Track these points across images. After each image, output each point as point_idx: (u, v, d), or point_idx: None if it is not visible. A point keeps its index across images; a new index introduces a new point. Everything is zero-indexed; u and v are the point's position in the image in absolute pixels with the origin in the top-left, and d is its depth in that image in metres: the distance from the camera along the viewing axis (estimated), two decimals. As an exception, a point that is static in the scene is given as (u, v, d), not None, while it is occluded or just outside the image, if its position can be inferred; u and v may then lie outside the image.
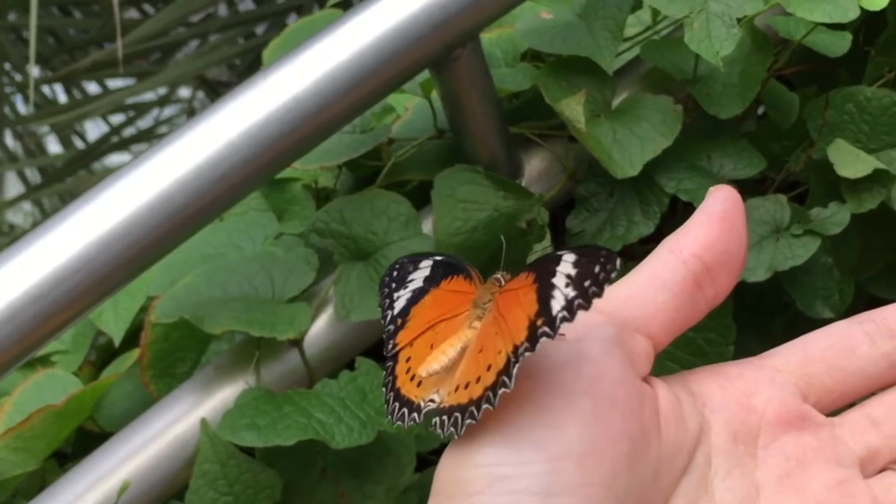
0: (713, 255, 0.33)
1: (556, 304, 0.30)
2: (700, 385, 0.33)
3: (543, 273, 0.31)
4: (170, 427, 0.54)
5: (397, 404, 0.31)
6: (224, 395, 0.54)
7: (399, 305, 0.34)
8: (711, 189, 0.34)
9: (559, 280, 0.30)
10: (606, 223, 0.59)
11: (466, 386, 0.30)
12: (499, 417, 0.30)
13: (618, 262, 0.30)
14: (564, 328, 0.31)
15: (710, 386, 0.33)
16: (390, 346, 0.33)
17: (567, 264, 0.31)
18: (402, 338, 0.33)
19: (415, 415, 0.31)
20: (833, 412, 0.34)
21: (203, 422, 0.53)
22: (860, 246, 0.61)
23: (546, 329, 0.30)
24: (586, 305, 0.30)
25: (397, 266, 0.35)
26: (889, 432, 0.34)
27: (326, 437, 0.51)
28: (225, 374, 0.55)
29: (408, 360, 0.32)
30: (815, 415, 0.34)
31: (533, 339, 0.30)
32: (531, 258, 0.57)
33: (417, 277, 0.34)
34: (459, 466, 0.30)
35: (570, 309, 0.30)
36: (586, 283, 0.30)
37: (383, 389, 0.32)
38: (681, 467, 0.32)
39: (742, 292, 0.58)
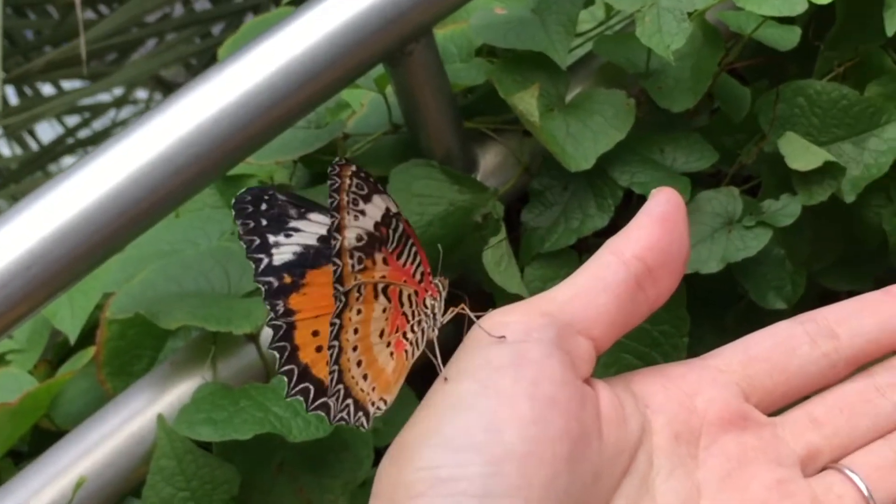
0: (655, 257, 0.33)
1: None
2: (642, 386, 0.34)
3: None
4: (126, 423, 0.54)
5: (311, 388, 0.30)
6: (180, 391, 0.55)
7: (282, 257, 0.31)
8: (654, 191, 0.34)
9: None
10: (561, 216, 0.59)
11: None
12: (439, 420, 0.30)
13: (343, 162, 0.28)
14: (505, 330, 0.31)
15: (652, 387, 0.34)
16: (280, 308, 0.31)
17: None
18: (299, 304, 0.30)
19: (360, 417, 0.30)
20: (775, 412, 0.35)
21: (160, 417, 0.53)
22: (812, 238, 0.62)
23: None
24: (337, 216, 0.28)
25: (266, 197, 0.31)
26: (830, 432, 0.34)
27: (283, 431, 0.52)
28: (181, 369, 0.55)
29: (316, 335, 0.30)
30: (756, 415, 0.34)
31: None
32: (487, 252, 0.58)
33: (306, 230, 0.31)
34: (400, 469, 0.30)
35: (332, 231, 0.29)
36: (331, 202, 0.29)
37: (275, 353, 0.30)
38: (622, 468, 0.32)
39: (696, 284, 0.59)
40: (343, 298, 0.29)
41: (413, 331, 0.32)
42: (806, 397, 0.35)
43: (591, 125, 0.58)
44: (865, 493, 0.33)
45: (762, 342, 0.35)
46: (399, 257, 0.31)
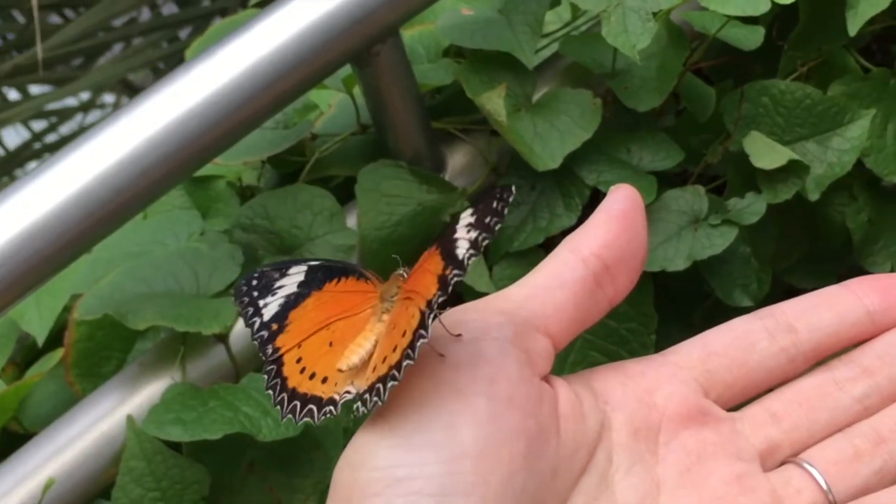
0: (612, 254, 0.33)
1: (461, 249, 0.31)
2: (601, 383, 0.34)
3: (445, 236, 0.32)
4: (95, 424, 0.54)
5: (298, 403, 0.32)
6: (150, 392, 0.55)
7: (270, 312, 0.34)
8: (612, 188, 0.34)
9: (461, 232, 0.31)
10: (529, 216, 0.60)
11: (384, 360, 0.31)
12: (395, 419, 0.30)
13: (513, 189, 0.31)
14: (462, 329, 0.32)
15: (611, 383, 0.34)
16: (270, 351, 0.33)
17: (466, 217, 0.32)
18: (284, 342, 0.33)
19: (330, 408, 0.31)
20: (735, 407, 0.35)
21: (129, 418, 0.53)
22: (777, 236, 0.63)
23: (457, 272, 0.30)
24: (490, 236, 0.31)
25: (256, 276, 0.35)
26: (788, 426, 0.34)
27: (253, 431, 0.52)
28: (150, 370, 0.55)
29: (299, 361, 0.33)
30: (715, 410, 0.34)
31: (444, 286, 0.30)
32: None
33: (288, 284, 0.34)
34: (357, 469, 0.30)
35: (476, 245, 0.31)
36: (487, 220, 0.31)
37: (269, 392, 0.33)
38: (581, 465, 0.32)
39: (663, 282, 0.60)
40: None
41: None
42: (765, 392, 0.35)
43: (558, 125, 0.58)
44: (824, 486, 0.33)
45: (721, 338, 0.35)
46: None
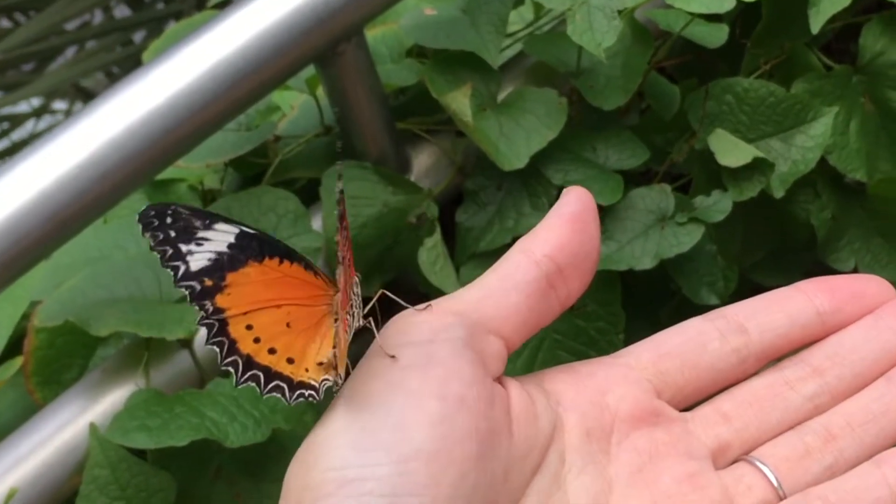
0: (565, 256, 0.34)
1: None
2: (554, 384, 0.34)
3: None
4: (57, 433, 0.53)
5: (259, 374, 0.32)
6: (113, 399, 0.54)
7: (198, 263, 0.33)
8: (564, 190, 0.35)
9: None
10: (496, 216, 0.60)
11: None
12: (347, 421, 0.30)
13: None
14: (414, 330, 0.32)
15: (563, 385, 0.34)
16: (209, 307, 0.32)
17: None
18: (228, 303, 0.32)
19: (310, 392, 0.31)
20: (688, 407, 0.35)
21: (92, 426, 0.53)
22: (742, 234, 0.63)
23: None
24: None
25: (169, 212, 0.33)
26: (739, 426, 0.34)
27: (220, 437, 0.51)
28: (113, 377, 0.55)
29: (250, 329, 0.32)
30: (668, 410, 0.35)
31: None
32: (422, 252, 0.58)
33: (214, 239, 0.33)
34: (308, 469, 0.30)
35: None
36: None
37: (215, 348, 0.32)
38: (533, 465, 0.32)
39: (630, 281, 0.60)
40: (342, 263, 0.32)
41: (350, 313, 0.33)
42: (717, 392, 0.35)
43: (524, 124, 0.58)
44: (774, 483, 0.33)
45: (673, 339, 0.35)
46: (344, 228, 0.33)
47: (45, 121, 1.30)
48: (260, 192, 0.58)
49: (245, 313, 0.32)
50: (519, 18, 0.64)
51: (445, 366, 0.31)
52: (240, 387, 0.31)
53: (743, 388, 0.35)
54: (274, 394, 0.31)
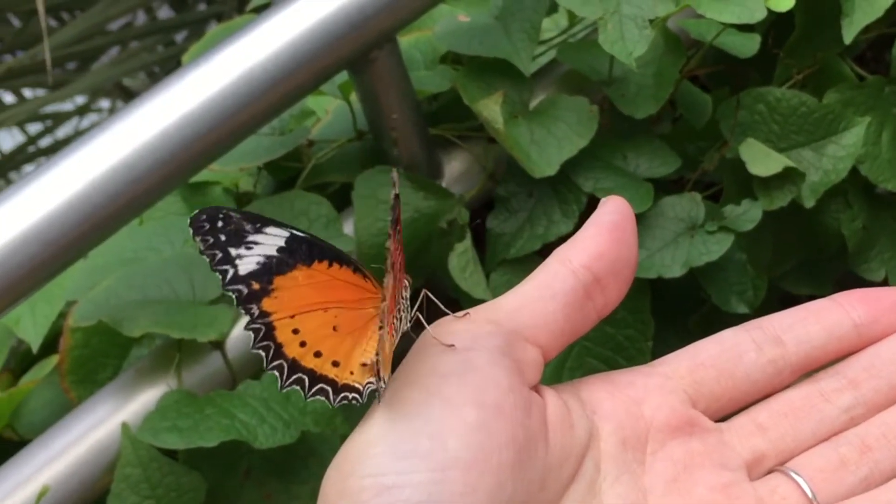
0: (603, 266, 0.33)
1: None
2: (590, 393, 0.33)
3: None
4: (90, 432, 0.53)
5: (304, 377, 0.31)
6: (145, 399, 0.54)
7: (246, 267, 0.32)
8: (603, 200, 0.34)
9: None
10: (526, 223, 0.59)
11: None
12: (384, 428, 0.30)
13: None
14: (452, 338, 0.31)
15: (599, 394, 0.33)
16: (256, 311, 0.32)
17: None
18: (274, 307, 0.32)
19: (353, 395, 0.31)
20: (722, 418, 0.35)
21: (124, 425, 0.52)
22: (772, 243, 0.62)
23: None
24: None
25: (221, 216, 0.33)
26: (775, 436, 0.34)
27: (249, 438, 0.51)
28: (145, 377, 0.54)
29: (296, 333, 0.32)
30: (703, 420, 0.34)
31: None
32: (453, 258, 0.57)
33: (264, 243, 0.33)
34: (345, 477, 0.30)
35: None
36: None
37: (261, 352, 0.31)
38: (569, 474, 0.32)
39: (660, 289, 0.59)
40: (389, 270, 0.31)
41: (396, 317, 0.32)
42: (752, 403, 0.35)
43: (555, 132, 0.57)
44: (809, 494, 0.33)
45: (709, 349, 0.35)
46: (396, 233, 0.32)
47: (89, 119, 1.31)
48: (293, 196, 0.57)
49: (292, 317, 0.32)
50: (552, 26, 0.64)
51: (483, 374, 0.31)
52: (284, 390, 0.31)
53: (779, 399, 0.35)
54: (318, 397, 0.31)
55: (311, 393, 0.31)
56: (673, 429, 0.33)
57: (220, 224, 0.32)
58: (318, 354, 0.31)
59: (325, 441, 0.54)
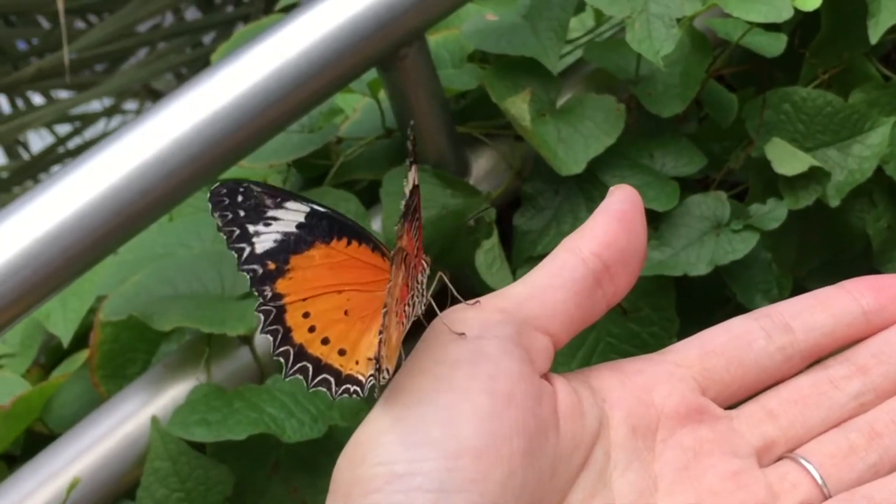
0: (612, 254, 0.33)
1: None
2: (600, 381, 0.33)
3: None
4: (120, 425, 0.53)
5: (309, 366, 0.30)
6: (174, 393, 0.54)
7: (263, 245, 0.31)
8: (612, 189, 0.34)
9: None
10: (553, 220, 0.59)
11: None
12: (395, 416, 0.30)
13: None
14: (462, 327, 0.31)
15: (609, 382, 0.33)
16: (268, 293, 0.30)
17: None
18: (288, 289, 0.31)
19: (355, 388, 0.30)
20: (732, 405, 0.34)
21: (153, 419, 0.52)
22: (798, 242, 0.62)
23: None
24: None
25: (241, 190, 0.31)
26: (785, 423, 0.34)
27: (278, 432, 0.51)
28: (175, 371, 0.54)
29: (306, 317, 0.30)
30: (713, 408, 0.34)
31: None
32: (479, 255, 0.57)
33: (284, 219, 0.31)
34: (356, 465, 0.29)
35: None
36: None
37: (269, 337, 0.30)
38: (579, 462, 0.32)
39: (685, 286, 0.59)
40: (394, 265, 0.29)
41: (408, 304, 0.31)
42: (762, 390, 0.35)
43: (582, 130, 0.57)
44: (819, 480, 0.33)
45: (718, 337, 0.34)
46: (411, 226, 0.30)
47: (116, 120, 1.31)
48: (321, 193, 0.57)
49: (304, 299, 0.30)
50: (579, 25, 0.63)
51: (494, 362, 0.31)
52: (287, 379, 0.30)
53: (788, 386, 0.34)
54: (321, 388, 0.30)
55: (313, 383, 0.30)
56: (683, 416, 0.33)
57: (239, 198, 0.31)
58: (325, 341, 0.30)
59: (352, 434, 0.54)
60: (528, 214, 0.59)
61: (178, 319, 0.53)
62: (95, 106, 1.25)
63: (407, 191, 0.29)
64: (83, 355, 0.58)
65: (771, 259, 0.60)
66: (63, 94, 1.23)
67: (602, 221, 0.33)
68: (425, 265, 0.32)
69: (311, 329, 0.30)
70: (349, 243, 0.31)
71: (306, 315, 0.30)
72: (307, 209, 0.31)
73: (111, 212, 0.49)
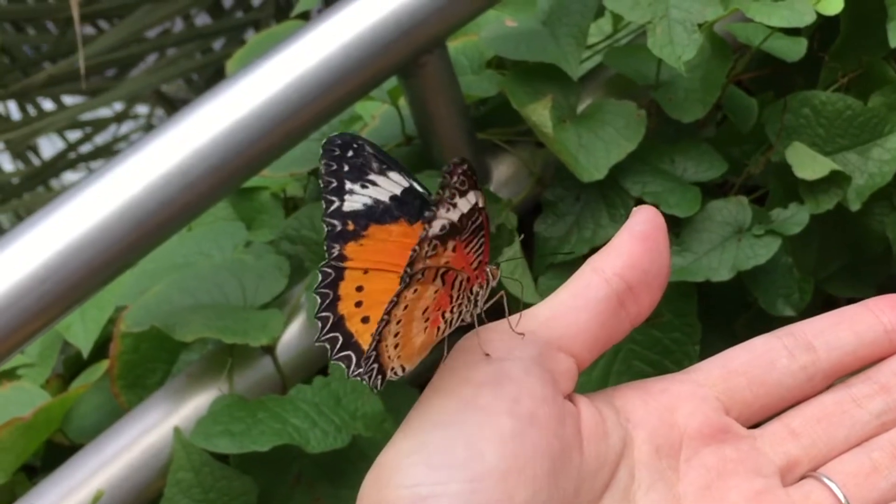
0: (636, 275, 0.33)
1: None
2: (623, 401, 0.33)
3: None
4: (142, 436, 0.52)
5: (340, 337, 0.29)
6: (197, 403, 0.53)
7: (352, 205, 0.31)
8: (635, 209, 0.34)
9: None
10: (574, 227, 0.58)
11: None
12: (419, 438, 0.29)
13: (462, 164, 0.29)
14: (486, 348, 0.30)
15: (633, 401, 0.33)
16: (336, 251, 0.30)
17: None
18: (354, 252, 0.30)
19: (366, 375, 0.29)
20: (755, 424, 0.34)
21: (176, 430, 0.51)
22: (818, 246, 0.61)
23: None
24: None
25: (355, 146, 0.31)
26: (808, 442, 0.34)
27: (301, 442, 0.50)
28: (197, 382, 0.54)
29: (359, 290, 0.30)
30: (736, 427, 0.34)
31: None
32: (501, 261, 0.56)
33: (382, 186, 0.31)
34: (381, 487, 0.29)
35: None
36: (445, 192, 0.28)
37: (315, 296, 0.29)
38: (603, 482, 0.31)
39: (707, 292, 0.58)
40: (407, 280, 0.29)
41: (452, 312, 0.31)
42: (784, 409, 0.35)
43: (603, 136, 0.56)
44: (842, 499, 0.32)
45: (741, 356, 0.34)
46: (467, 245, 0.30)
47: (127, 125, 1.30)
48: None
49: (365, 271, 0.30)
50: (598, 31, 0.62)
51: (518, 383, 0.30)
52: (317, 344, 0.29)
53: (811, 405, 0.34)
54: (340, 363, 0.29)
55: (337, 356, 0.30)
56: (706, 436, 0.33)
57: (349, 154, 0.31)
58: (365, 320, 0.30)
59: (375, 445, 0.53)
60: (549, 221, 0.58)
61: (199, 330, 0.52)
62: (106, 111, 1.25)
63: (445, 213, 0.28)
64: (103, 366, 0.57)
65: (792, 263, 0.59)
66: (73, 100, 1.22)
67: (626, 242, 0.33)
68: (490, 277, 0.31)
69: (358, 304, 0.30)
70: None
71: (359, 289, 0.30)
72: (407, 185, 0.31)
73: (133, 223, 0.48)
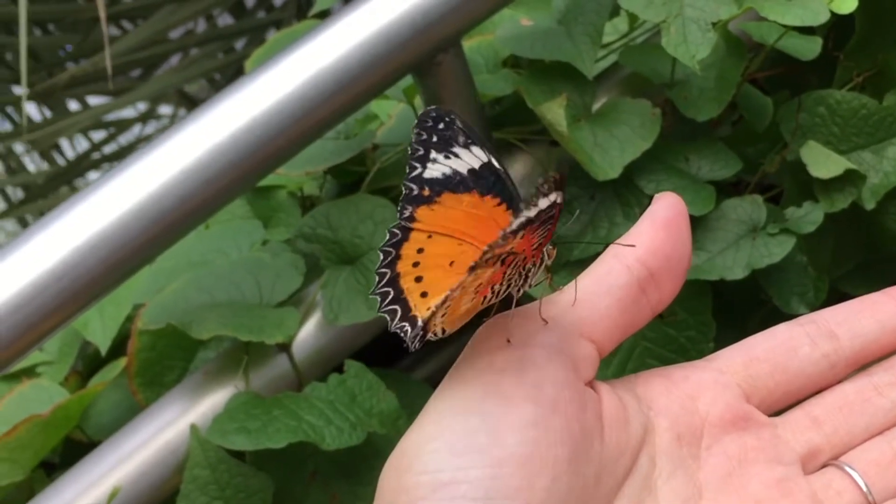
0: (657, 261, 0.32)
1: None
2: (645, 388, 0.33)
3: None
4: (159, 433, 0.52)
5: (392, 297, 0.30)
6: (213, 401, 0.52)
7: (432, 173, 0.31)
8: (657, 196, 0.33)
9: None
10: (589, 225, 0.57)
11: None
12: (441, 424, 0.29)
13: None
14: (510, 335, 0.30)
15: (655, 389, 0.33)
16: (408, 211, 0.31)
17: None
18: (424, 216, 0.31)
19: (409, 329, 0.29)
20: (776, 412, 0.34)
21: (193, 427, 0.51)
22: (833, 245, 0.60)
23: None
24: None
25: (447, 119, 0.32)
26: (829, 430, 0.33)
27: (317, 439, 0.49)
28: (214, 379, 0.53)
29: (420, 252, 0.31)
30: (757, 415, 0.33)
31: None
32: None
33: (463, 159, 0.32)
34: (402, 473, 0.29)
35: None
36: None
37: (379, 253, 0.30)
38: (624, 469, 0.31)
39: (721, 290, 0.57)
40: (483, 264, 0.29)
41: (501, 284, 0.31)
42: (806, 397, 0.34)
43: (618, 135, 0.55)
44: (864, 488, 0.32)
45: (763, 343, 0.34)
46: (534, 231, 0.30)
47: (151, 125, 1.30)
48: (358, 200, 0.55)
49: (429, 235, 0.31)
50: (613, 30, 0.61)
51: (539, 370, 0.30)
52: (371, 296, 0.30)
53: (833, 393, 0.34)
54: (386, 315, 0.29)
55: (384, 308, 0.30)
56: (727, 423, 0.33)
57: (441, 126, 0.31)
58: (418, 279, 0.30)
59: (391, 442, 0.52)
60: (564, 219, 0.57)
61: (216, 328, 0.51)
62: (129, 112, 1.24)
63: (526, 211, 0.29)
64: (120, 363, 0.56)
65: (807, 262, 0.58)
66: (96, 100, 1.22)
67: (647, 228, 0.32)
68: (547, 257, 0.32)
69: (415, 264, 0.30)
70: (499, 204, 0.31)
71: (420, 251, 0.31)
72: (486, 160, 0.31)
73: (150, 220, 0.47)
